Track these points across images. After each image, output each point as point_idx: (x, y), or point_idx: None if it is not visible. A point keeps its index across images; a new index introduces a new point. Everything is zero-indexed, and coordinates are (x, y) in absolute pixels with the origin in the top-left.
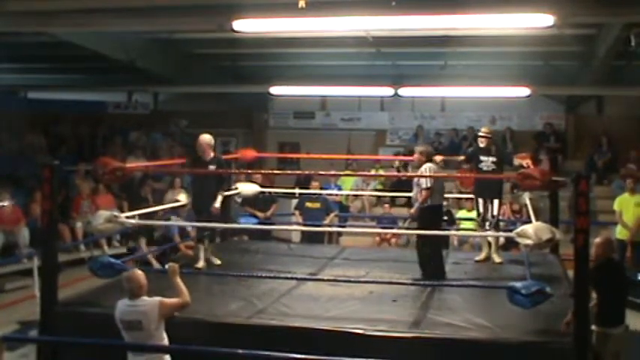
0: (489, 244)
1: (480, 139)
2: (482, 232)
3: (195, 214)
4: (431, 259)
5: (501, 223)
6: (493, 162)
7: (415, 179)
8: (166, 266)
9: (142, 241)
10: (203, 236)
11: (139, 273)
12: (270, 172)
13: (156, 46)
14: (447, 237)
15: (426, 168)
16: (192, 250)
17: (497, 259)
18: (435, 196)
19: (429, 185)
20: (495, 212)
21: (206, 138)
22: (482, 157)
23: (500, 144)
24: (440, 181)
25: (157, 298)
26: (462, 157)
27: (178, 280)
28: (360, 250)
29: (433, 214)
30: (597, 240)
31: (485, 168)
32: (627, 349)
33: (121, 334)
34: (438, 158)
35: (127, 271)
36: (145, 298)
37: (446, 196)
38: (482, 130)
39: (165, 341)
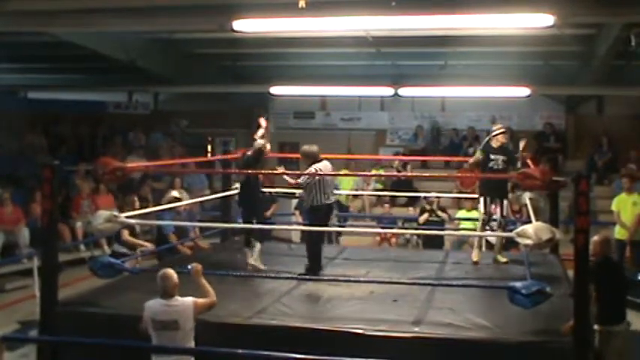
0: (481, 245)
1: (497, 137)
2: (482, 232)
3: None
4: (312, 254)
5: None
6: (503, 160)
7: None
8: (189, 266)
9: (125, 233)
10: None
11: (172, 272)
12: (270, 172)
13: (156, 46)
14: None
15: (315, 169)
16: (192, 250)
17: (501, 258)
18: (319, 195)
19: (300, 181)
20: (505, 212)
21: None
22: (492, 156)
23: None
24: (323, 181)
25: (191, 298)
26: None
27: (204, 281)
28: (360, 250)
29: (318, 213)
30: (595, 238)
31: (495, 167)
32: (629, 348)
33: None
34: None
35: (127, 271)
36: (179, 297)
37: (444, 196)
38: (499, 126)
39: (193, 342)
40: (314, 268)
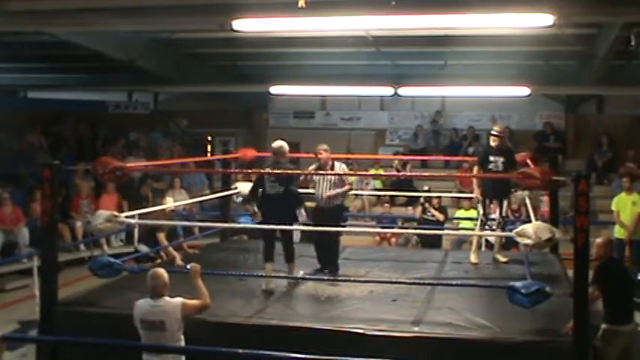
0: (480, 245)
1: (491, 138)
2: (481, 232)
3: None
4: (334, 254)
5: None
6: (503, 162)
7: (329, 176)
8: (188, 266)
9: (162, 236)
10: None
11: (163, 271)
12: (270, 172)
13: (156, 46)
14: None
15: (341, 166)
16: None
17: (501, 258)
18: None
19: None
20: (505, 212)
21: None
22: (491, 158)
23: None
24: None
25: (180, 299)
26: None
27: (200, 282)
28: (360, 250)
29: (342, 211)
30: (599, 240)
31: (495, 168)
32: (633, 350)
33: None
34: (475, 169)
35: (127, 270)
36: (167, 298)
37: (444, 195)
38: (495, 128)
39: (183, 342)
40: (337, 266)
